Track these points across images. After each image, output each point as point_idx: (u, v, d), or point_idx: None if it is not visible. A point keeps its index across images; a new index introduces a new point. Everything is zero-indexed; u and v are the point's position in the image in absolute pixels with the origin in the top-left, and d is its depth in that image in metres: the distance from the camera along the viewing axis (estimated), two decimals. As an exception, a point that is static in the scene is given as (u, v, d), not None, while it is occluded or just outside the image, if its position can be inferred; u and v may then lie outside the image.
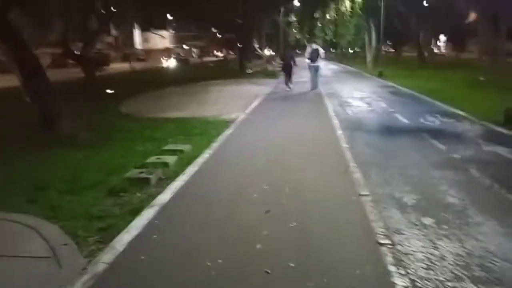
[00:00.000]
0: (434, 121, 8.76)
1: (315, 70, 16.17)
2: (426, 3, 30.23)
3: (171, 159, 5.74)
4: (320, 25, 35.43)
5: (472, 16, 55.92)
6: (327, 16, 28.75)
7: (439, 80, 18.87)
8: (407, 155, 6.05)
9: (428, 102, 12.03)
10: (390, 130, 8.02)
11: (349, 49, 58.21)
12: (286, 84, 16.82)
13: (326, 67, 36.21)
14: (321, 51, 16.52)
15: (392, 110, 10.51)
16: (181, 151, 6.30)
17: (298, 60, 18.48)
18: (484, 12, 17.68)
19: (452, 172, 5.13)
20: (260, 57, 42.58)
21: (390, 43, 53.68)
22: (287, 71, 16.79)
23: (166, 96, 16.01)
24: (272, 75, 26.37)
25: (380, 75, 22.81)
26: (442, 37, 71.51)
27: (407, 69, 27.90)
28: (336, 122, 9.01)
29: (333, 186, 4.71)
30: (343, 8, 23.49)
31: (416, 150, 6.32)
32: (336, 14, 24.36)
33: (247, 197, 4.34)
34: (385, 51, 35.42)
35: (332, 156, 6.10)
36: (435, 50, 64.02)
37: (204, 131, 8.18)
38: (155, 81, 23.91)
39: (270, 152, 6.42)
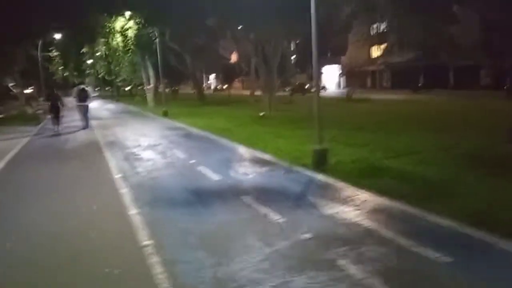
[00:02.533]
0: (247, 173, 7.22)
1: (84, 110, 16.53)
2: (194, 43, 30.98)
3: None
4: (90, 61, 31.53)
5: (234, 57, 62.82)
6: (97, 52, 25.42)
7: (224, 118, 18.58)
8: (246, 248, 3.99)
9: (227, 146, 10.74)
10: (202, 197, 5.92)
11: (126, 87, 55.46)
12: (54, 125, 15.56)
13: (102, 107, 32.42)
14: (90, 90, 17.21)
15: (194, 161, 8.57)
16: None
17: (68, 100, 16.20)
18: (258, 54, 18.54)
19: (324, 276, 3.34)
20: (16, 97, 34.95)
21: (166, 81, 53.86)
22: (55, 113, 15.58)
23: None
24: (32, 119, 21.12)
25: (165, 114, 21.13)
26: (212, 75, 77.97)
27: (189, 107, 27.41)
28: (125, 191, 6.33)
29: None
30: (114, 43, 20.88)
31: (251, 232, 4.37)
32: (108, 50, 21.52)
33: None
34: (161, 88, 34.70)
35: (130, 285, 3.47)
36: (212, 87, 68.70)
37: None
38: None
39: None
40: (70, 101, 21.03)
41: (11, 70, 28.59)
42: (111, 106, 34.61)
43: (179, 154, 9.56)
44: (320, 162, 7.66)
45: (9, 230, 4.86)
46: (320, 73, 56.93)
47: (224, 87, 69.69)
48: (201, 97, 31.53)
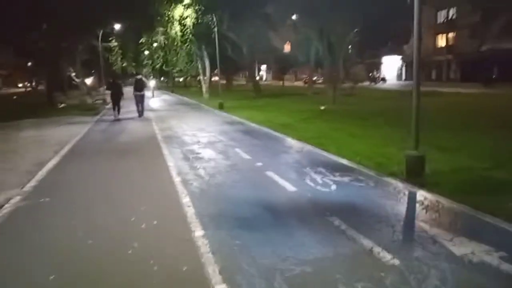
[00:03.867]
0: (327, 184, 6.02)
1: (140, 99, 17.25)
2: (251, 32, 29.92)
3: None
4: (147, 52, 31.60)
5: (287, 48, 61.11)
6: (155, 43, 25.16)
7: (283, 111, 17.46)
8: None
9: (293, 145, 9.58)
10: (280, 216, 4.82)
11: (181, 78, 55.94)
12: (114, 112, 16.79)
13: (159, 97, 32.50)
14: (147, 81, 18.12)
15: (260, 163, 7.51)
16: None
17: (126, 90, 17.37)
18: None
19: None
20: (78, 87, 36.13)
21: (217, 72, 53.09)
22: (115, 101, 16.75)
23: None
24: (91, 109, 21.31)
25: (220, 107, 20.39)
26: (263, 67, 76.60)
27: (244, 99, 26.56)
28: (186, 201, 5.40)
29: None
30: (173, 33, 20.37)
31: (361, 281, 3.19)
32: (166, 40, 21.07)
33: None
34: (215, 80, 34.31)
35: None
36: (264, 78, 67.67)
37: None
38: None
39: None
40: (128, 90, 21.05)
41: (73, 61, 29.34)
42: (167, 97, 34.67)
43: (243, 154, 8.54)
44: (415, 172, 6.30)
45: (45, 257, 4.07)
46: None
47: (264, 79, 67.76)
48: (257, 89, 30.49)
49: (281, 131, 11.63)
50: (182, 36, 20.52)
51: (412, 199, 5.30)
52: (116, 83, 17.72)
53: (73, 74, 33.60)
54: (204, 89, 29.29)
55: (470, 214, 4.66)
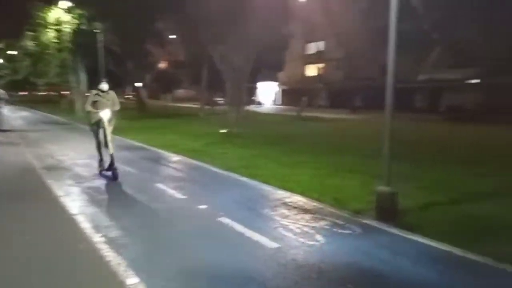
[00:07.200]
0: (309, 234, 4.76)
1: None
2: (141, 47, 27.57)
3: None
4: (1, 60, 26.25)
5: (163, 66, 59.07)
6: (19, 49, 20.75)
7: (182, 135, 15.82)
8: None
9: (227, 179, 8.11)
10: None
11: (42, 92, 49.07)
12: None
13: (15, 114, 27.09)
14: (2, 92, 17.45)
15: (204, 206, 5.85)
16: None
17: None
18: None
19: None
20: None
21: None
22: None
23: None
24: None
25: (104, 127, 17.57)
26: (138, 84, 72.19)
27: (130, 119, 23.69)
28: (133, 282, 3.54)
29: None
30: (45, 39, 16.85)
31: None
32: (36, 46, 17.35)
33: None
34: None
35: None
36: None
37: None
38: None
39: None
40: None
41: None
42: (27, 114, 29.13)
43: (171, 192, 6.74)
44: (388, 211, 5.58)
45: None
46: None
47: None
48: (142, 107, 27.84)
49: (197, 159, 10.08)
50: (57, 43, 17.18)
51: (419, 251, 4.39)
52: None
53: None
54: (77, 106, 25.45)
55: (498, 270, 3.97)
